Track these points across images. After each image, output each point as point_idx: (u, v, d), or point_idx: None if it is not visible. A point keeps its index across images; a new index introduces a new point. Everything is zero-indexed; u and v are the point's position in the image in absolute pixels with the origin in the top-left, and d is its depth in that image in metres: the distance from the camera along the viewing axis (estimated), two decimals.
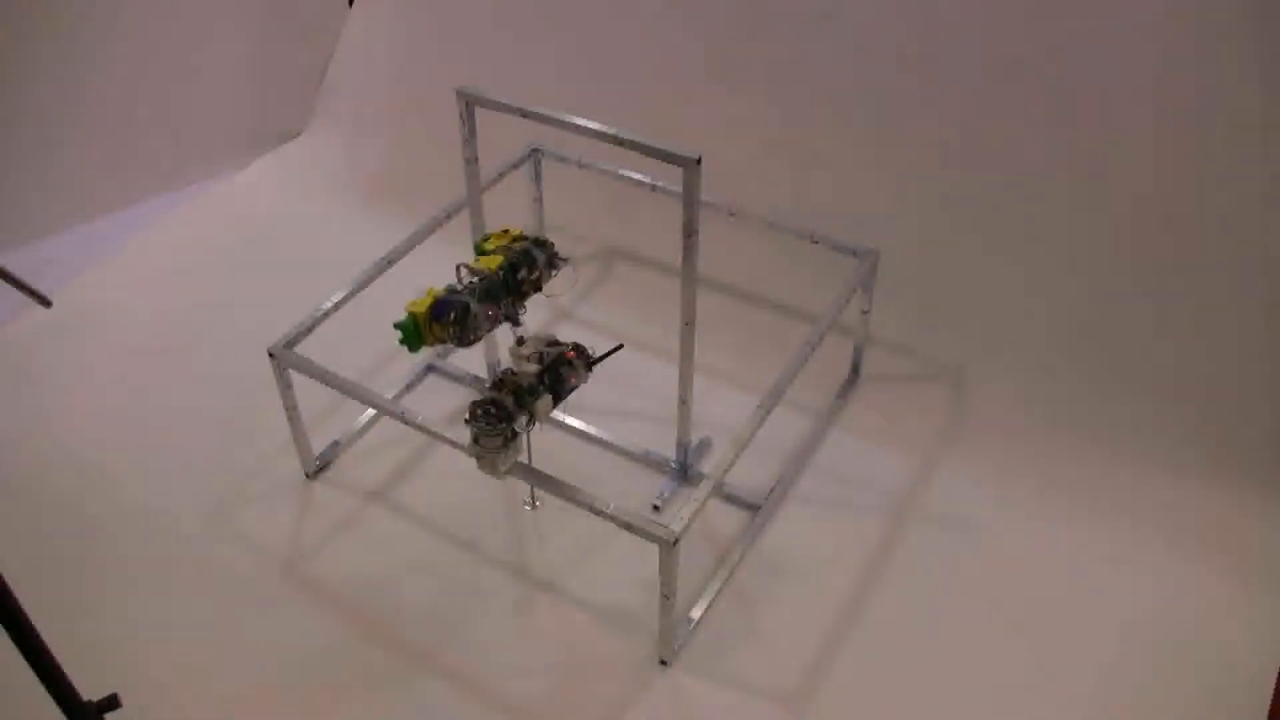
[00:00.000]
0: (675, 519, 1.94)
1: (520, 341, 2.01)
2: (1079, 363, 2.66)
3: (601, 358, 2.06)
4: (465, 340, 1.97)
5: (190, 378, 2.77)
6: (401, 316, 1.96)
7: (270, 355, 2.29)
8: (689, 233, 1.97)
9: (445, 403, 2.67)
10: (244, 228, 3.30)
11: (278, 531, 2.38)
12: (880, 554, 2.31)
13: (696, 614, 2.19)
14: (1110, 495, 2.41)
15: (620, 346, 2.11)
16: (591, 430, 2.56)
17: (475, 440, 1.96)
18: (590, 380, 2.06)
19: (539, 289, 2.08)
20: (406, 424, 2.17)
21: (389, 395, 2.65)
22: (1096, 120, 2.61)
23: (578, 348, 2.02)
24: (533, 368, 1.97)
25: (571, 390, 2.02)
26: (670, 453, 2.45)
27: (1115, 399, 2.59)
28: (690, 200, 1.93)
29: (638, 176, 2.78)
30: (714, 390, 2.63)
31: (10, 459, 2.56)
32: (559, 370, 1.99)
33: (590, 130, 1.98)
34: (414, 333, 1.96)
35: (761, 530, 2.36)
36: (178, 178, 3.44)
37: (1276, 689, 2.03)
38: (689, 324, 2.13)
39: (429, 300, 1.97)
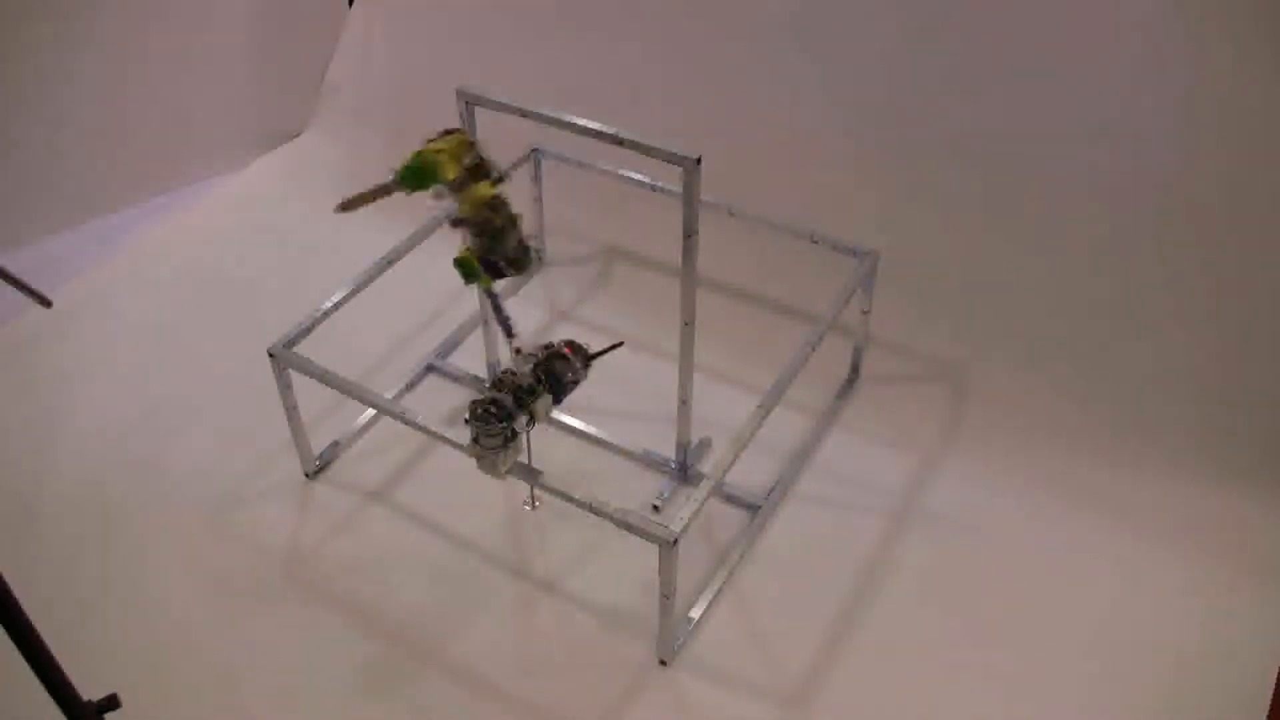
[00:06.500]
0: (675, 519, 1.94)
1: (518, 352, 2.01)
2: (1079, 363, 2.66)
3: (600, 353, 2.05)
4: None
5: (190, 378, 2.77)
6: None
7: (270, 355, 2.29)
8: (689, 233, 1.97)
9: (445, 403, 2.67)
10: (244, 228, 3.30)
11: (278, 531, 2.38)
12: (880, 554, 2.31)
13: (696, 614, 2.19)
14: (1111, 495, 2.41)
15: (620, 343, 2.11)
16: (591, 430, 2.56)
17: (475, 440, 1.95)
18: (590, 380, 2.06)
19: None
20: (406, 424, 2.17)
21: (389, 395, 2.65)
22: (1097, 119, 2.61)
23: (572, 344, 2.02)
24: (527, 366, 1.97)
25: (572, 389, 2.01)
26: (670, 453, 2.45)
27: (1116, 399, 2.59)
28: (690, 200, 1.93)
29: (638, 176, 2.78)
30: (714, 390, 2.62)
31: (10, 459, 2.56)
32: (553, 365, 1.98)
33: (590, 130, 1.97)
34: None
35: (761, 530, 2.36)
36: (178, 178, 3.44)
37: (1276, 689, 2.03)
38: (689, 324, 2.13)
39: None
